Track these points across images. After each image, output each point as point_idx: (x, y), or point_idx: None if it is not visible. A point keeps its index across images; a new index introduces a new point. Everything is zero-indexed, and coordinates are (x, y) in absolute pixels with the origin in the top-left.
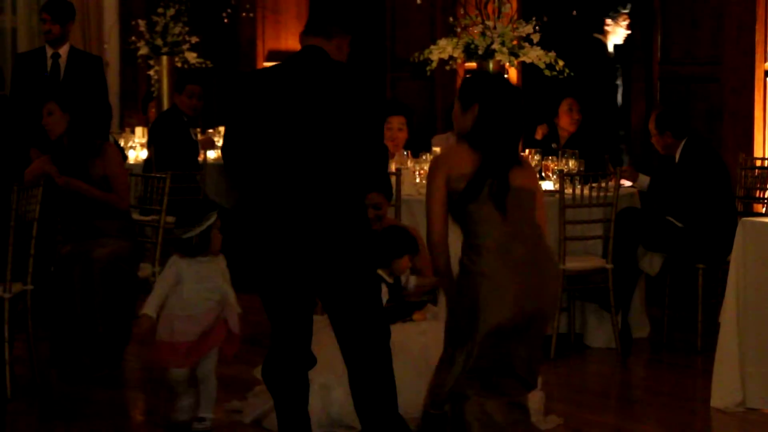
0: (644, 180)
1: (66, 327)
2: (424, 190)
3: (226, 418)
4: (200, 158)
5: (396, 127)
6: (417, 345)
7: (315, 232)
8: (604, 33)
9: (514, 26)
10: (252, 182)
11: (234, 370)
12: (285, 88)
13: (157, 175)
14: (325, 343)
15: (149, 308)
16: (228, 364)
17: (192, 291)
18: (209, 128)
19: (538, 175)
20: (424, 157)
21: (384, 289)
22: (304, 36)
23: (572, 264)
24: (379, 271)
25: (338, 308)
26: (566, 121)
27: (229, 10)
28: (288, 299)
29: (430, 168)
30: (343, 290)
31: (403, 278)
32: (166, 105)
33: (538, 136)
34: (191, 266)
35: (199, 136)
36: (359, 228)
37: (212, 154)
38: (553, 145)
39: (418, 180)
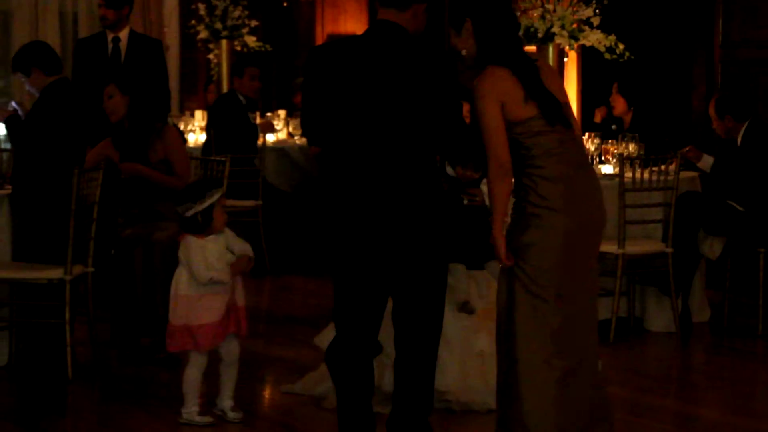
0: (708, 160)
1: (126, 309)
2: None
3: (282, 400)
4: (259, 142)
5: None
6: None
7: (393, 208)
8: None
9: (574, 9)
10: (331, 156)
11: (292, 352)
12: (360, 61)
13: (217, 159)
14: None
15: (225, 276)
16: (285, 346)
17: (182, 269)
18: (268, 112)
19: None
20: None
21: None
22: (379, 8)
23: (632, 248)
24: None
25: (405, 292)
26: (619, 105)
27: None
28: (364, 280)
29: (477, 98)
30: (415, 273)
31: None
32: (225, 89)
33: (597, 119)
34: (198, 242)
35: (258, 120)
36: (437, 207)
37: (271, 138)
38: (613, 127)
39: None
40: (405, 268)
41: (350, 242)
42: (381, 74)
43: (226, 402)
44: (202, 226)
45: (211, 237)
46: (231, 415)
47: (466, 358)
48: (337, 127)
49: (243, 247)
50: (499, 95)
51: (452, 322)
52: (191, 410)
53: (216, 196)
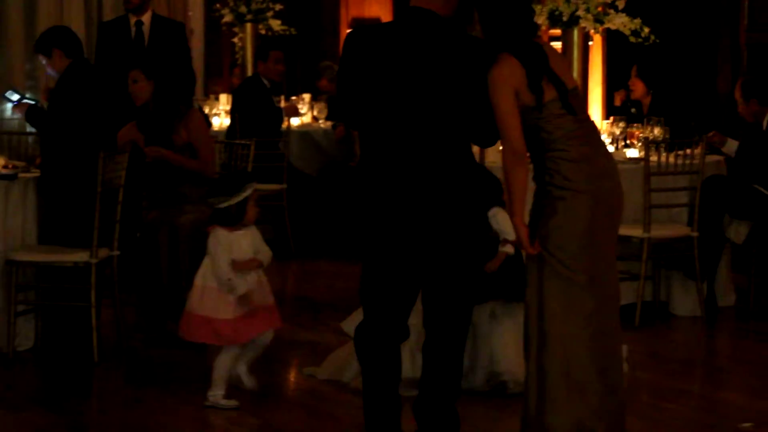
0: (732, 144)
1: (151, 292)
2: None
3: (305, 383)
4: (284, 125)
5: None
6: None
7: (426, 193)
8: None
9: None
10: (365, 140)
11: (316, 335)
12: (395, 47)
13: (241, 142)
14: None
15: (242, 288)
16: (309, 329)
17: (207, 261)
18: (293, 95)
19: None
20: None
21: None
22: None
23: (657, 232)
24: None
25: (436, 277)
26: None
27: None
28: (395, 264)
29: (492, 85)
30: (447, 258)
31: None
32: (249, 72)
33: (617, 102)
34: (234, 239)
35: (283, 104)
36: (470, 191)
37: (296, 121)
38: (632, 110)
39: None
40: (437, 253)
41: (382, 226)
42: (416, 60)
43: (241, 368)
44: (235, 219)
45: (241, 231)
46: (247, 381)
47: (519, 339)
48: (371, 112)
49: (265, 251)
50: (512, 83)
51: (502, 307)
52: (217, 393)
53: (250, 191)
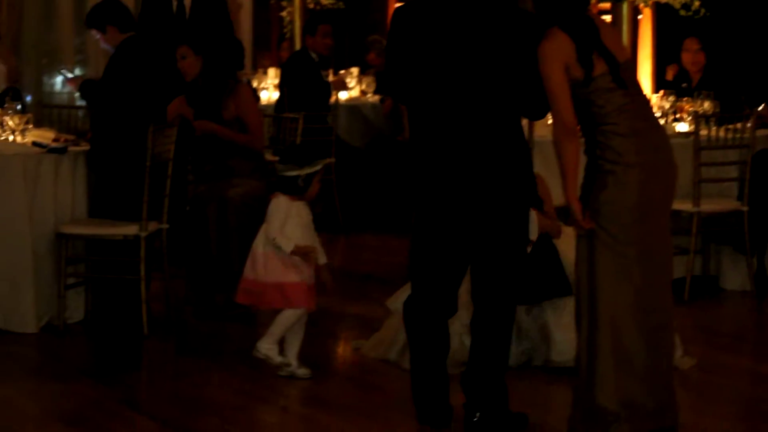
0: None
1: (201, 265)
2: None
3: (354, 356)
4: (332, 99)
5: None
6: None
7: (476, 167)
8: None
9: None
10: (415, 115)
11: (364, 309)
12: (444, 20)
13: (290, 116)
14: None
15: (290, 245)
16: (357, 303)
17: (299, 234)
18: (341, 69)
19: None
20: None
21: None
22: None
23: (707, 206)
24: None
25: (486, 250)
26: (689, 62)
27: None
28: (445, 239)
29: (542, 60)
30: (498, 228)
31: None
32: (298, 46)
33: (669, 76)
34: (296, 208)
35: (331, 77)
36: (521, 164)
37: (344, 95)
38: (683, 85)
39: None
40: (487, 226)
41: (433, 200)
42: (465, 33)
43: (293, 362)
44: (301, 190)
45: (301, 204)
46: (300, 372)
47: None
48: (420, 87)
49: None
50: (562, 57)
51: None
52: (272, 347)
53: (321, 166)
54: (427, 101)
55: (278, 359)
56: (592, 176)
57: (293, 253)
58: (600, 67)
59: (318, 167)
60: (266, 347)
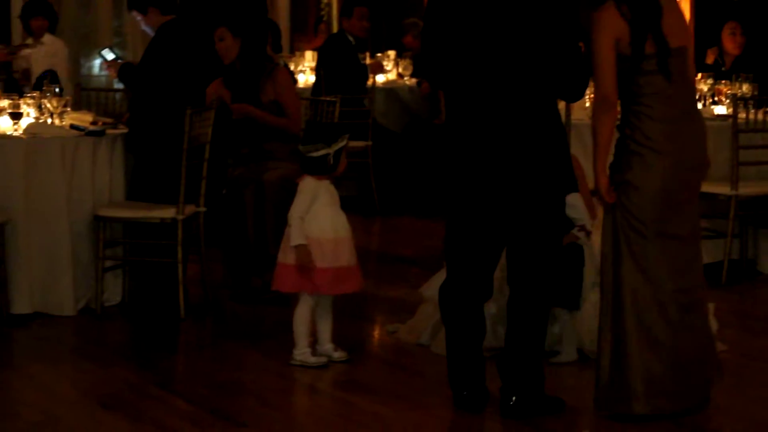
0: None
1: (237, 249)
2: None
3: (389, 340)
4: (369, 82)
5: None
6: None
7: (513, 150)
8: None
9: None
10: (451, 98)
11: (401, 292)
12: (482, 2)
13: (327, 99)
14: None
15: (299, 238)
16: (394, 286)
17: (328, 214)
18: (378, 52)
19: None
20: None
21: None
22: None
23: (745, 189)
24: None
25: (522, 233)
26: (730, 45)
27: None
28: (481, 221)
29: (593, 31)
30: (534, 211)
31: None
32: (335, 29)
33: (709, 60)
34: (324, 187)
35: (368, 60)
36: (558, 147)
37: (381, 78)
38: (723, 69)
39: (587, 104)
40: (523, 209)
41: (469, 183)
42: (502, 14)
43: (327, 345)
44: (329, 169)
45: (328, 183)
46: (336, 355)
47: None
48: (458, 70)
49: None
50: (615, 30)
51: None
52: (304, 351)
53: (345, 141)
54: (463, 85)
55: (313, 360)
56: (619, 154)
57: (296, 248)
58: (649, 48)
59: (344, 142)
60: (298, 353)
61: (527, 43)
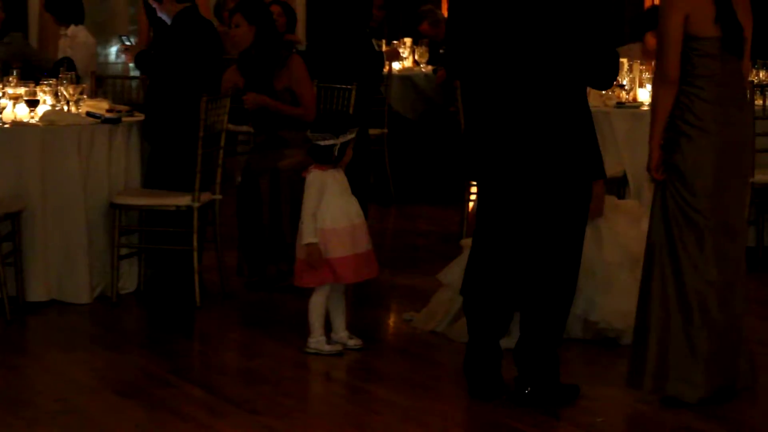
0: None
1: (252, 237)
2: (610, 102)
3: (405, 328)
4: (385, 70)
5: None
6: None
7: (540, 141)
8: None
9: None
10: (475, 91)
11: (416, 281)
12: None
13: (343, 87)
14: None
15: (310, 236)
16: (409, 274)
17: (338, 203)
18: (394, 40)
19: None
20: None
21: None
22: None
23: (761, 176)
24: None
25: (547, 220)
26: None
27: None
28: (509, 211)
29: (664, 5)
30: (561, 201)
31: None
32: None
33: None
34: (331, 176)
35: (384, 48)
36: (586, 135)
37: (397, 66)
38: None
39: (603, 92)
40: (550, 200)
41: (496, 173)
42: (532, 4)
43: (342, 333)
44: (336, 159)
45: (335, 171)
46: (351, 343)
47: (612, 287)
48: (486, 60)
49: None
50: (686, 6)
51: (597, 256)
52: (319, 339)
53: (353, 134)
54: (491, 75)
55: (327, 348)
56: (669, 133)
57: (307, 246)
58: (713, 30)
59: (353, 134)
60: (313, 341)
61: (556, 30)
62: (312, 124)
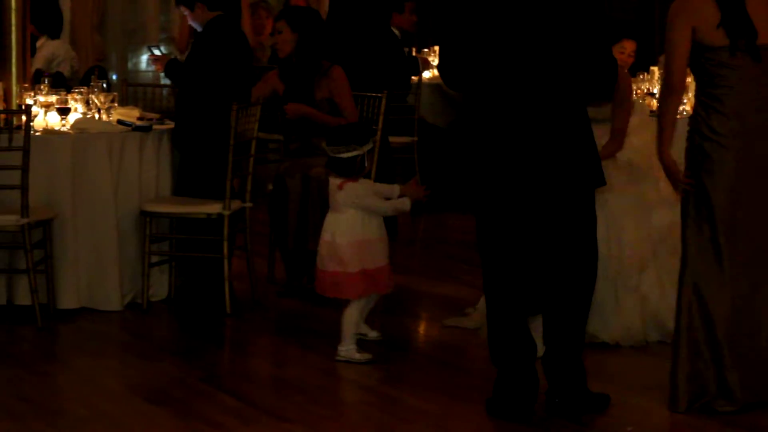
0: None
1: (283, 244)
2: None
3: (435, 335)
4: (414, 78)
5: (627, 53)
6: None
7: (542, 147)
8: None
9: None
10: (473, 103)
11: (446, 289)
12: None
13: (373, 95)
14: None
15: (395, 191)
16: (440, 282)
17: (355, 215)
18: (424, 48)
19: None
20: (641, 77)
21: None
22: None
23: None
24: None
25: (557, 229)
26: None
27: None
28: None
29: (670, 15)
30: (569, 211)
31: None
32: None
33: None
34: (364, 187)
35: (414, 54)
36: (587, 144)
37: (427, 74)
38: None
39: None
40: (558, 211)
41: (499, 184)
42: (530, 13)
43: (362, 325)
44: (359, 170)
45: (362, 180)
46: (371, 334)
47: (621, 295)
48: (482, 72)
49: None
50: (691, 17)
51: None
52: (350, 347)
53: (372, 144)
54: (491, 87)
55: (358, 356)
56: (687, 146)
57: (404, 194)
58: (725, 39)
59: (372, 144)
60: (343, 349)
61: (556, 44)
62: (329, 137)
